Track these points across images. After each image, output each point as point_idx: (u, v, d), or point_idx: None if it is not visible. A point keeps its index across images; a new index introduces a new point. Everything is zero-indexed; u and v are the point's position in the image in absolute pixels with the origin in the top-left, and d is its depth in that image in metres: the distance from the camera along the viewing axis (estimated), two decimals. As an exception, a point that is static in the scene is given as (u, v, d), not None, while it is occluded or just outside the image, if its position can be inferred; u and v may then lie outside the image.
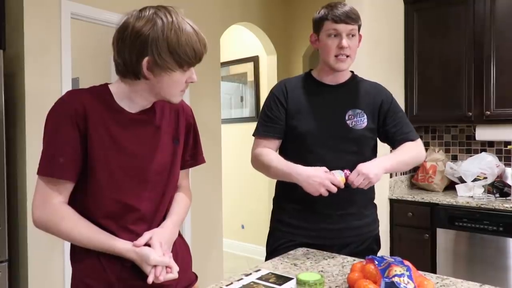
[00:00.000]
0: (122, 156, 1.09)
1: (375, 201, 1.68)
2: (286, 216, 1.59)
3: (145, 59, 1.02)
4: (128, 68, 1.06)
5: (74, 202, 1.09)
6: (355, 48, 1.51)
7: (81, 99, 1.06)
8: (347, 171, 1.39)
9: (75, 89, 1.12)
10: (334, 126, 1.52)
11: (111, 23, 2.58)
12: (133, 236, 1.09)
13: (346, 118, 1.51)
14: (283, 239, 1.58)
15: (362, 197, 1.58)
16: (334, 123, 1.50)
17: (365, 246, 1.58)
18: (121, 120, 1.10)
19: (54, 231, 1.07)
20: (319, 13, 1.52)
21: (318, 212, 1.53)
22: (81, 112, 1.04)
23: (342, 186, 1.37)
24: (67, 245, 2.34)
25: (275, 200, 1.68)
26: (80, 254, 1.11)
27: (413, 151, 1.57)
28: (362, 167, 1.38)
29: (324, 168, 1.40)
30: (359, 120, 1.52)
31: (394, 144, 1.60)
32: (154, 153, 1.14)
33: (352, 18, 1.47)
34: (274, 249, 1.59)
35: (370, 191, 1.63)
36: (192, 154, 1.29)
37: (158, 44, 1.01)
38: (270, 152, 1.55)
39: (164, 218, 1.19)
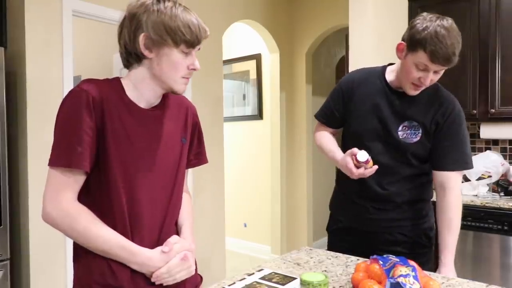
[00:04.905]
0: (134, 151, 1.06)
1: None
2: (335, 202, 1.74)
3: (141, 35, 1.03)
4: (128, 50, 1.06)
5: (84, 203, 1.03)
6: (435, 81, 1.42)
7: (99, 88, 1.02)
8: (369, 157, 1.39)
9: (91, 78, 1.07)
10: (385, 134, 1.50)
11: (113, 21, 2.57)
12: (142, 237, 1.07)
13: (400, 128, 1.48)
14: (334, 221, 1.72)
15: (399, 199, 1.53)
16: (386, 131, 1.48)
17: (408, 238, 1.54)
18: (134, 114, 1.07)
19: (66, 228, 0.99)
20: (421, 30, 1.34)
21: (356, 202, 1.61)
22: (98, 101, 1.00)
23: (363, 165, 1.38)
24: (69, 243, 2.34)
25: (335, 186, 1.77)
26: (87, 255, 1.03)
27: (459, 209, 1.47)
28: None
29: (350, 154, 1.41)
30: (412, 133, 1.47)
31: (436, 168, 1.50)
32: (166, 151, 1.12)
33: (451, 62, 1.32)
34: (330, 230, 1.74)
35: (410, 194, 1.54)
36: (196, 154, 1.28)
37: (152, 20, 1.02)
38: (323, 136, 1.67)
39: (173, 218, 1.17)
